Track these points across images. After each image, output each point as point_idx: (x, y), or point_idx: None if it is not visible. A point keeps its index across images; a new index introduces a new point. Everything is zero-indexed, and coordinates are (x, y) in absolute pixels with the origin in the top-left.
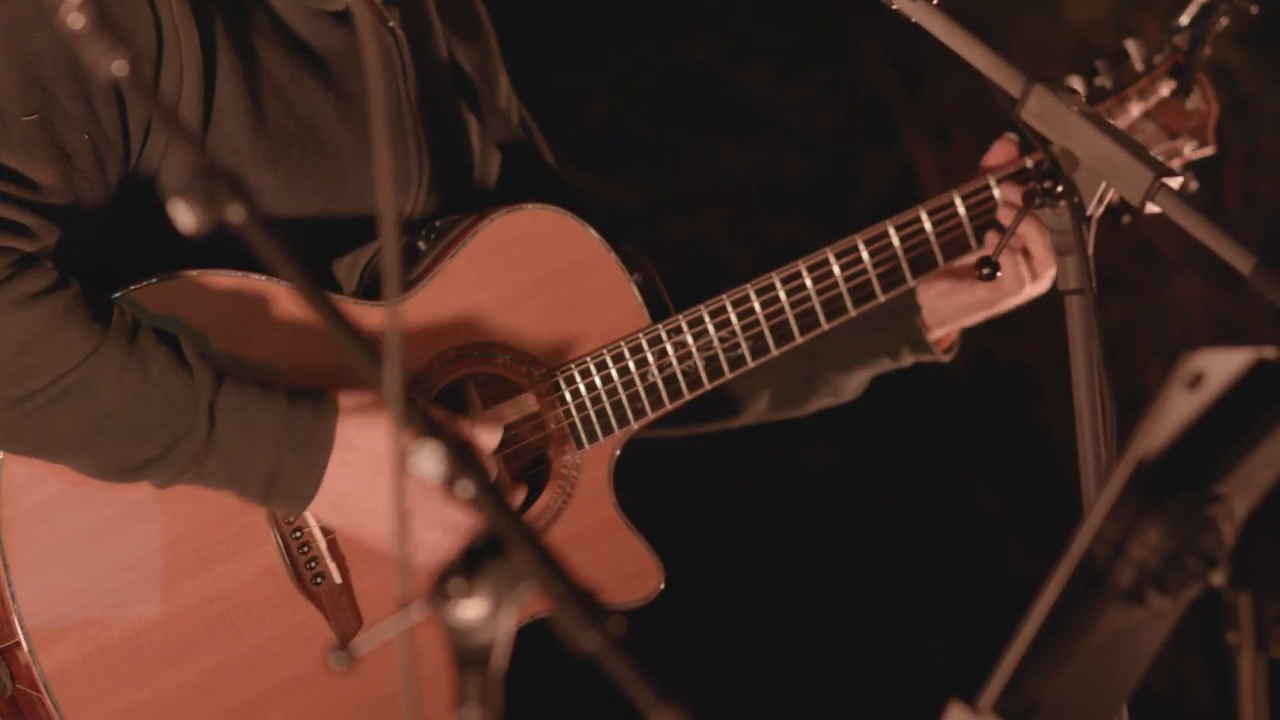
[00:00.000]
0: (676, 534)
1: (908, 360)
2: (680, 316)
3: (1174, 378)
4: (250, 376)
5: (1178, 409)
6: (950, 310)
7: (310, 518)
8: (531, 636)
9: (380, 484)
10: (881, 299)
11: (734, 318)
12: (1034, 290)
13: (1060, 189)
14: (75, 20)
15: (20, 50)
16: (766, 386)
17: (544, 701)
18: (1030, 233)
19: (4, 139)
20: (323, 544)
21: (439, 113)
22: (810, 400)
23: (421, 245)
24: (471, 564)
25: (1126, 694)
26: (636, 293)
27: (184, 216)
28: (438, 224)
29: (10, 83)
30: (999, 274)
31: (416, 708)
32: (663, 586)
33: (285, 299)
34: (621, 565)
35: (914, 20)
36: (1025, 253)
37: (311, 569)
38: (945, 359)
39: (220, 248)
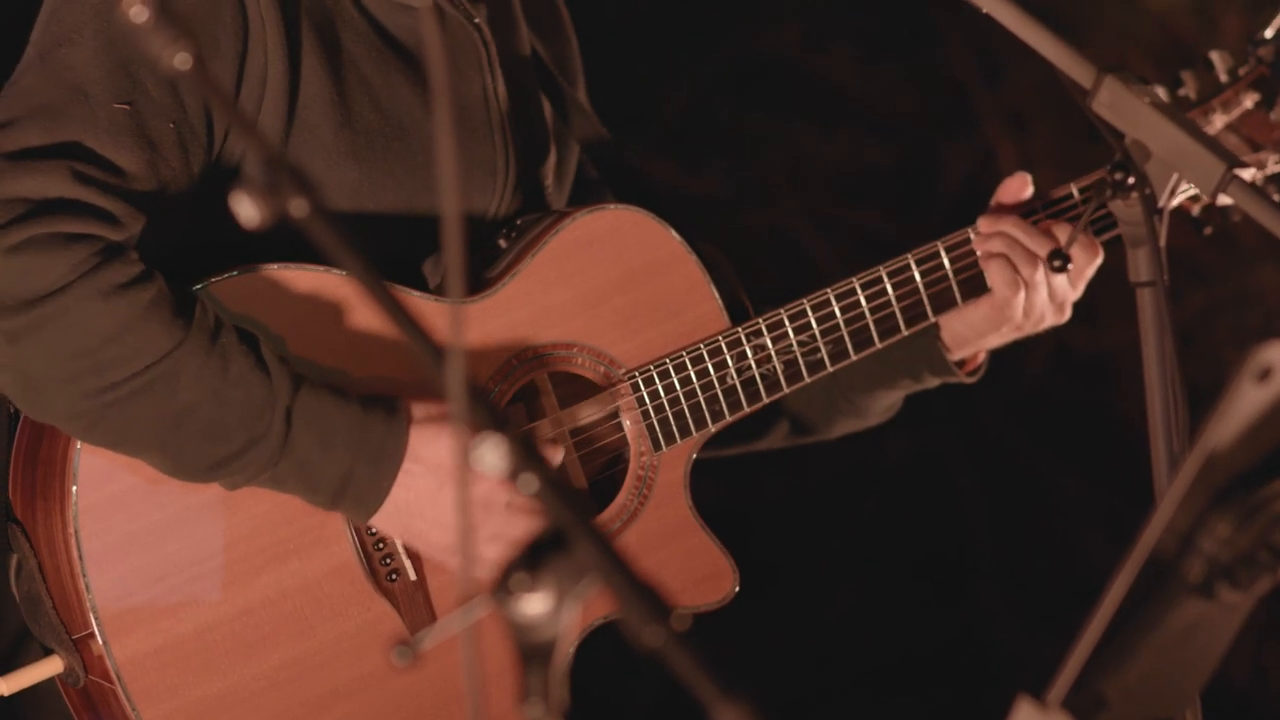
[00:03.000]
0: (752, 524)
1: (930, 381)
2: (759, 320)
3: (1243, 371)
4: (325, 381)
5: (1248, 402)
6: (962, 330)
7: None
8: (602, 632)
9: (443, 496)
10: (960, 304)
11: (813, 322)
12: (1049, 311)
13: (1132, 181)
14: (139, 14)
15: (109, 36)
16: (784, 412)
17: (614, 697)
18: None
19: (91, 123)
20: (398, 540)
21: (524, 109)
22: (834, 423)
23: (502, 243)
24: (535, 559)
25: (1196, 689)
26: (716, 294)
27: (246, 210)
28: (519, 222)
29: (99, 69)
30: (1024, 295)
31: (481, 703)
32: (737, 590)
33: (362, 297)
34: (696, 568)
35: (985, 10)
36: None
37: (386, 565)
38: (968, 380)
39: (298, 239)
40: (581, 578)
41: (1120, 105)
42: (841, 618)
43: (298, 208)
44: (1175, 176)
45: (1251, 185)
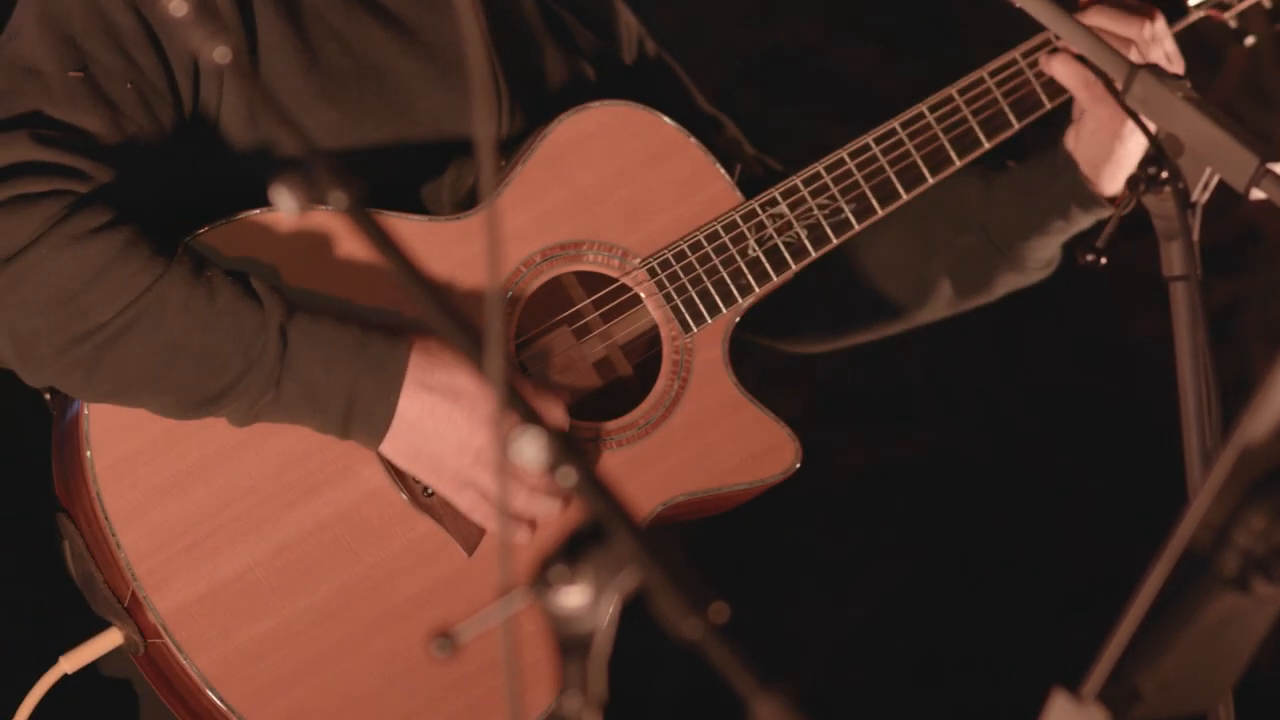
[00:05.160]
0: (778, 523)
1: (1080, 219)
2: (773, 189)
3: (1279, 365)
4: (322, 307)
5: None
6: (1095, 149)
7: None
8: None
9: (457, 416)
10: (987, 145)
11: (830, 182)
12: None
13: (1165, 175)
14: (178, 7)
15: (49, 13)
16: (944, 272)
17: (647, 689)
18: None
19: (46, 95)
20: (415, 473)
21: (514, 38)
22: (994, 279)
23: (504, 163)
24: (574, 551)
25: (1230, 682)
26: (724, 172)
27: (286, 202)
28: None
29: (45, 46)
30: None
31: (517, 692)
32: (800, 459)
33: (355, 235)
34: (752, 442)
35: (1018, 4)
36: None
37: (420, 482)
38: (1120, 211)
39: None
40: (620, 570)
41: (1153, 99)
42: (870, 614)
43: (336, 200)
44: (1208, 171)
45: None
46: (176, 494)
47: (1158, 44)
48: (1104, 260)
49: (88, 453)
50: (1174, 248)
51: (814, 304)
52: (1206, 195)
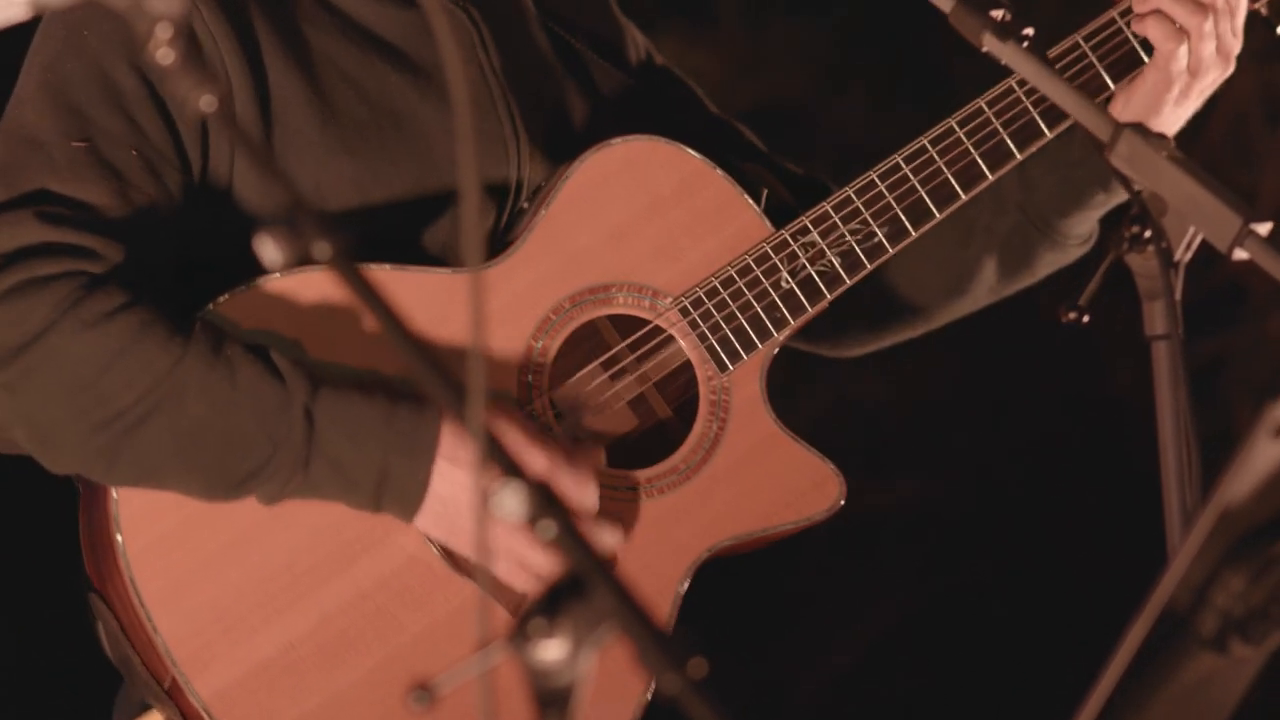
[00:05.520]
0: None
1: (1120, 192)
2: (804, 217)
3: (1259, 426)
4: (346, 381)
5: (1264, 457)
6: (1146, 108)
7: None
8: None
9: None
10: (1019, 157)
11: (861, 206)
12: (1211, 62)
13: (1149, 234)
14: (165, 55)
15: (55, 84)
16: (987, 253)
17: None
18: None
19: (50, 168)
20: (448, 544)
21: (532, 80)
22: (1036, 260)
23: (525, 206)
24: (553, 604)
25: None
26: (752, 203)
27: (269, 253)
28: (543, 185)
29: (47, 116)
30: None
31: None
32: (844, 496)
33: (405, 289)
34: (796, 480)
35: (1004, 62)
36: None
37: None
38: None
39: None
40: (599, 624)
41: (1137, 158)
42: (858, 659)
43: (320, 251)
44: (1192, 230)
45: (1268, 240)
46: (211, 574)
47: (1228, 17)
48: (1086, 318)
49: (119, 537)
50: (1156, 307)
51: (854, 304)
52: (1189, 254)
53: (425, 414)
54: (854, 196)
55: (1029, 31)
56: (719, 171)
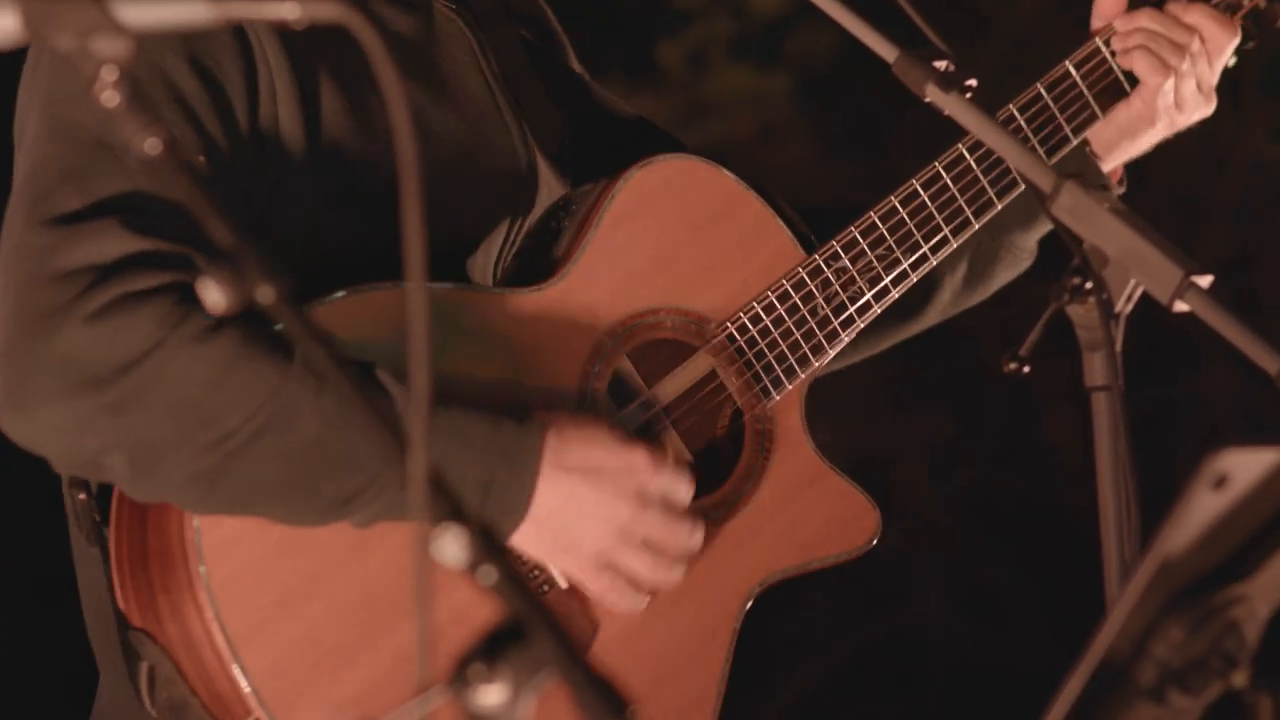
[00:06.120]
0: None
1: None
2: (834, 242)
3: (1199, 478)
4: (448, 394)
5: (1202, 509)
6: (1112, 134)
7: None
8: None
9: (600, 499)
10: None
11: (886, 232)
12: (1194, 100)
13: (1089, 286)
14: (110, 98)
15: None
16: (948, 272)
17: None
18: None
19: (124, 171)
20: (544, 558)
21: (527, 89)
22: (995, 274)
23: (554, 225)
24: (492, 649)
25: None
26: (785, 227)
27: (213, 296)
28: (561, 201)
29: (104, 112)
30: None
31: None
32: (881, 530)
33: (469, 309)
34: (837, 512)
35: (947, 113)
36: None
37: (536, 577)
38: (1120, 190)
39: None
40: (539, 670)
41: (1079, 210)
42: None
43: (264, 294)
44: (1133, 282)
45: (1209, 293)
46: (295, 609)
47: (1204, 61)
48: (1027, 368)
49: (201, 568)
50: (1096, 358)
51: None
52: (1130, 306)
53: (528, 423)
54: (879, 222)
55: (972, 83)
56: (753, 193)
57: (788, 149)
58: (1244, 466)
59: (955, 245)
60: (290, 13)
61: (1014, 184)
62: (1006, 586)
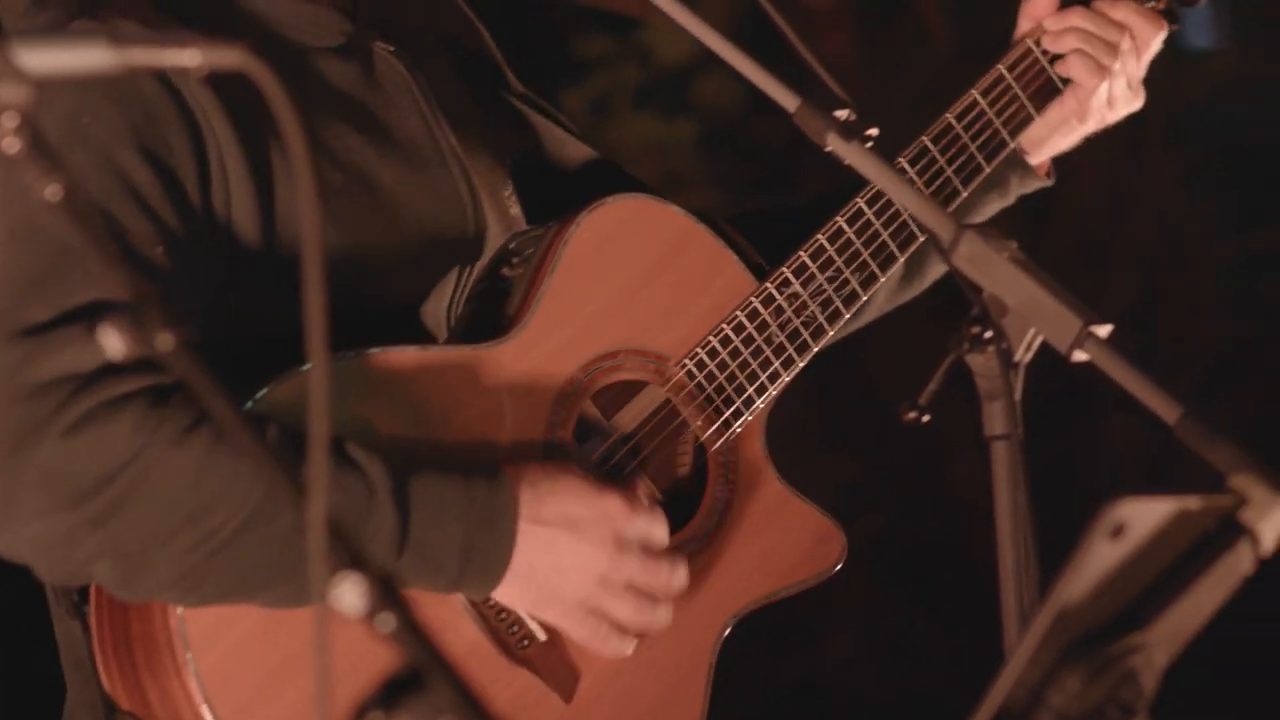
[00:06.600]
0: None
1: (1013, 194)
2: (784, 268)
3: (1096, 528)
4: (418, 462)
5: (1099, 559)
6: (1040, 131)
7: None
8: None
9: (578, 549)
10: (964, 193)
11: (834, 254)
12: (1125, 97)
13: (989, 335)
14: (10, 145)
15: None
16: None
17: None
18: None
19: (88, 275)
20: (524, 609)
21: (469, 131)
22: (926, 269)
23: (507, 272)
24: (390, 699)
25: None
26: (737, 258)
27: (113, 343)
28: (512, 245)
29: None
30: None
31: None
32: (846, 553)
33: (432, 373)
34: (804, 538)
35: (847, 162)
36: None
37: (515, 633)
38: (1049, 183)
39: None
40: (438, 719)
41: (979, 259)
42: None
43: (164, 342)
44: (1032, 331)
45: (1107, 342)
46: (281, 686)
47: (1134, 58)
48: (926, 417)
49: (188, 655)
50: (995, 407)
51: None
52: (1029, 356)
53: (499, 481)
54: (826, 244)
55: (873, 132)
56: (703, 226)
57: (692, 197)
58: (1141, 516)
59: (902, 260)
60: (191, 60)
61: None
62: (912, 631)
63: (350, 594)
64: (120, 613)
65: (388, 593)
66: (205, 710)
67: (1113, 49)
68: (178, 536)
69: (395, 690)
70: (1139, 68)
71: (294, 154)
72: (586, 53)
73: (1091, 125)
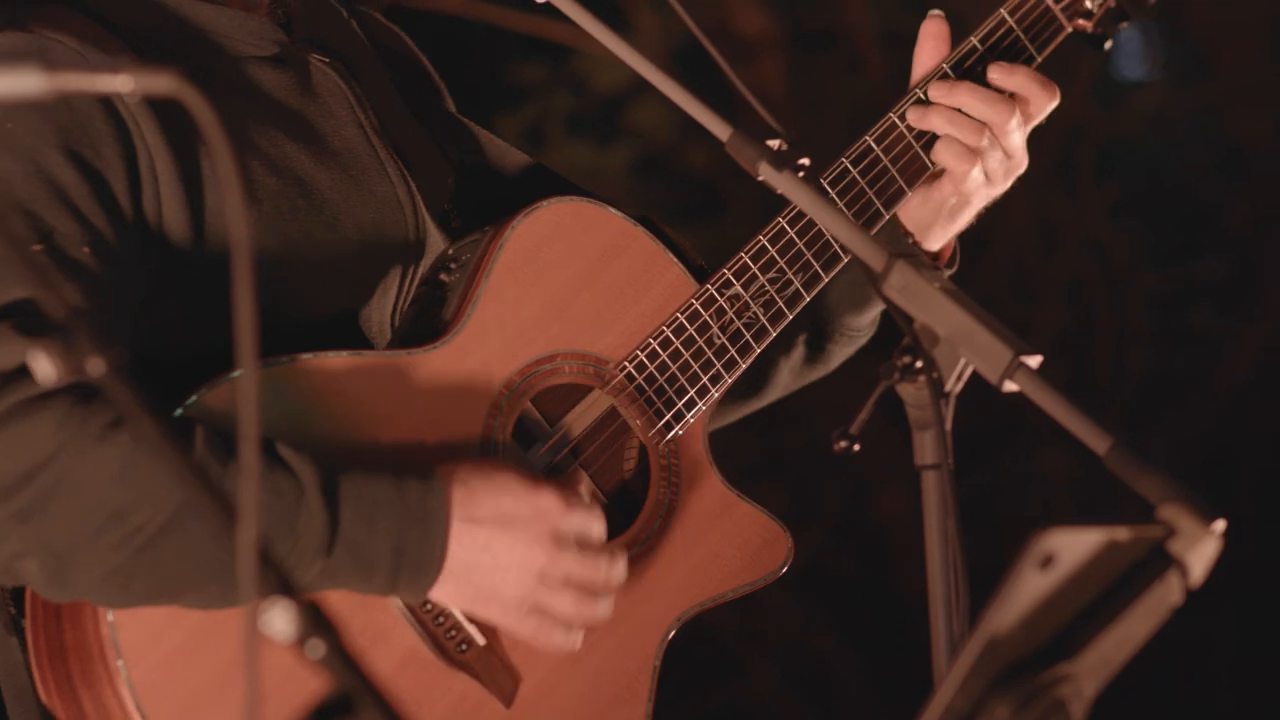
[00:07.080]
0: None
1: (834, 359)
2: (725, 270)
3: (1025, 558)
4: (349, 462)
5: (1029, 588)
6: (926, 216)
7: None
8: None
9: (512, 542)
10: (909, 192)
11: (776, 255)
12: (1002, 170)
13: (920, 365)
14: None
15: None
16: (783, 355)
17: None
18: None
19: (14, 275)
20: (460, 609)
21: (407, 138)
22: (829, 354)
23: (445, 278)
24: None
25: None
26: (677, 260)
27: (43, 368)
28: (450, 252)
29: None
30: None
31: None
32: (793, 554)
33: (367, 377)
34: (749, 541)
35: (779, 191)
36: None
37: (453, 638)
38: (949, 271)
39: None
40: None
41: (910, 289)
42: None
43: (94, 366)
44: (963, 361)
45: (1038, 373)
46: (216, 695)
47: (1012, 136)
48: (857, 446)
49: (119, 663)
50: (926, 437)
51: None
52: (960, 385)
53: (432, 482)
54: (768, 245)
55: (805, 161)
56: (641, 229)
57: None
58: (1070, 546)
59: (845, 261)
60: (124, 86)
61: (900, 194)
62: (839, 661)
63: (280, 620)
64: (54, 621)
65: (317, 618)
66: (139, 719)
67: (979, 128)
68: (104, 533)
69: (323, 716)
70: (1020, 137)
71: (224, 181)
72: (520, 79)
73: (978, 203)
